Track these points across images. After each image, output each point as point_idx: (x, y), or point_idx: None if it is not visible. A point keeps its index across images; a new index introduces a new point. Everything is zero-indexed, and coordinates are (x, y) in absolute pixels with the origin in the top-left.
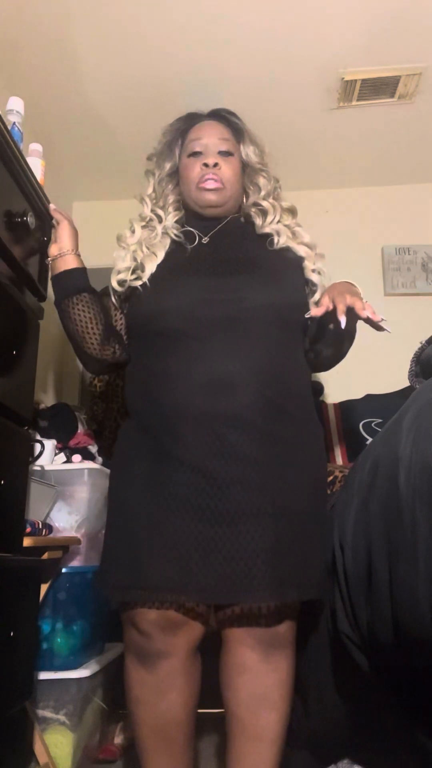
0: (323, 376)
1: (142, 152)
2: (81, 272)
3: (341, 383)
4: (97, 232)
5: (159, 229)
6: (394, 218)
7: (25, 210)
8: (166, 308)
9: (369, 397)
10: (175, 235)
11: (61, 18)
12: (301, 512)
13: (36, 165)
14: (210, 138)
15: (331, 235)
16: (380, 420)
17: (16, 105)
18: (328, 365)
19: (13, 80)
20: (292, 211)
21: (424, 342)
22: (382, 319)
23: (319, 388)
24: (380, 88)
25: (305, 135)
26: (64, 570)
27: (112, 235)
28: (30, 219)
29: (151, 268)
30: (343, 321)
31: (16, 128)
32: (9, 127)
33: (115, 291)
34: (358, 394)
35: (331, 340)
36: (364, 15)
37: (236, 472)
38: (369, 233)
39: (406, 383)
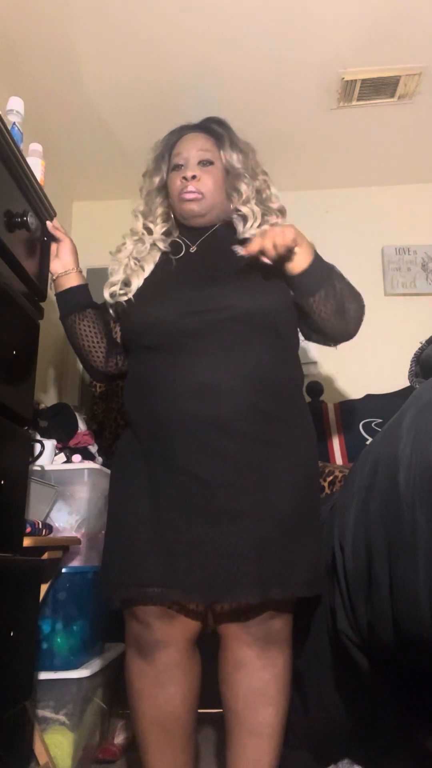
0: (323, 377)
1: (142, 152)
2: (84, 289)
3: (341, 383)
4: (97, 232)
5: (148, 242)
6: (394, 218)
7: (25, 210)
8: (152, 322)
9: (369, 397)
10: (164, 246)
11: (61, 18)
12: (287, 513)
13: (36, 165)
14: (189, 151)
15: (331, 235)
16: (380, 420)
17: (16, 105)
18: (334, 329)
19: (13, 80)
20: (281, 212)
21: (424, 342)
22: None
23: (319, 388)
24: (380, 88)
25: (305, 135)
26: (64, 570)
27: (111, 235)
28: (30, 219)
29: (137, 282)
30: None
31: (16, 128)
32: (9, 127)
33: (110, 304)
34: (358, 394)
35: (299, 289)
36: (364, 15)
37: (221, 475)
38: (369, 233)
39: (406, 383)
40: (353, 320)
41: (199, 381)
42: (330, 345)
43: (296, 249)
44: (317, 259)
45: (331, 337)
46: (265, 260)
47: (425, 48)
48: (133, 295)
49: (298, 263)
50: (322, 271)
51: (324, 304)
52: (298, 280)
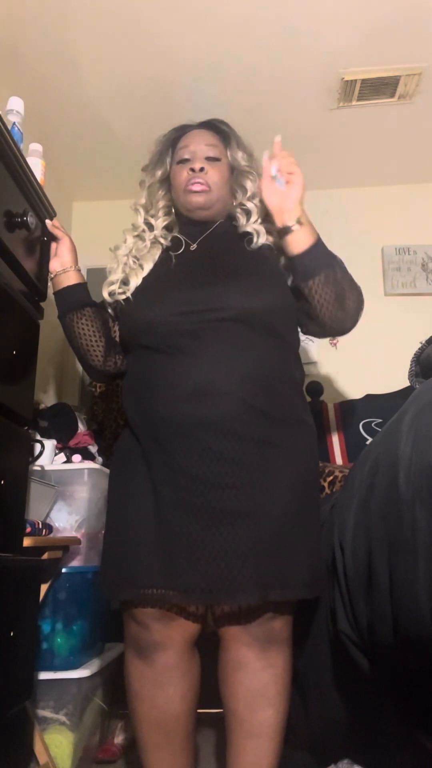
0: (323, 377)
1: (142, 152)
2: (83, 287)
3: (341, 383)
4: (97, 232)
5: (149, 238)
6: (394, 218)
7: (25, 210)
8: (150, 322)
9: (369, 397)
10: (164, 243)
11: (61, 18)
12: (287, 513)
13: (36, 165)
14: (197, 145)
15: (331, 235)
16: (380, 420)
17: (16, 105)
18: (332, 319)
19: (13, 80)
20: None
21: (424, 342)
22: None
23: (319, 388)
24: (380, 88)
25: (305, 135)
26: (64, 570)
27: (111, 235)
28: (30, 219)
29: (136, 281)
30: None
31: (16, 128)
32: (9, 127)
33: (108, 303)
34: (358, 394)
35: (297, 271)
36: (364, 15)
37: (221, 476)
38: (369, 233)
39: (406, 383)
40: (352, 313)
41: (197, 382)
42: (325, 336)
43: (296, 227)
44: (320, 243)
45: (328, 328)
46: (270, 172)
47: (425, 48)
48: (132, 294)
49: (300, 242)
50: (323, 254)
51: (323, 289)
52: (298, 260)
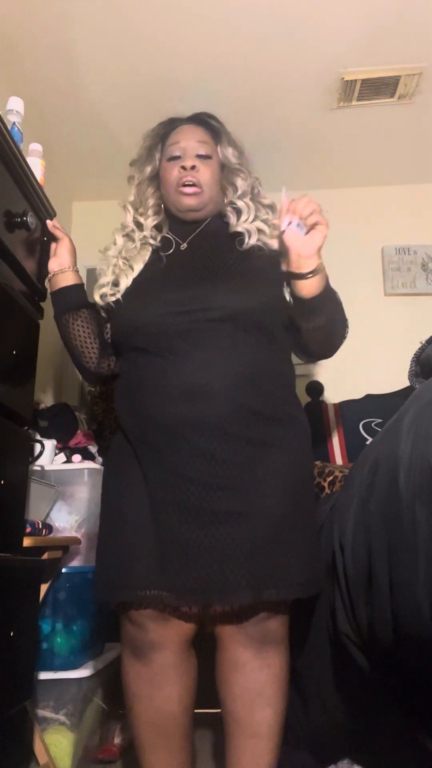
0: (323, 377)
1: None
2: (80, 288)
3: (341, 383)
4: (97, 232)
5: (138, 238)
6: (394, 218)
7: (25, 210)
8: (140, 323)
9: (369, 397)
10: (154, 244)
11: (61, 18)
12: (280, 513)
13: (36, 165)
14: (188, 141)
15: (331, 235)
16: (380, 420)
17: (16, 105)
18: (316, 353)
19: (13, 80)
20: (271, 207)
21: (424, 342)
22: (286, 227)
23: (319, 388)
24: (380, 88)
25: (305, 135)
26: (64, 570)
27: (111, 235)
28: (30, 219)
29: (125, 283)
30: (284, 223)
31: (16, 128)
32: (9, 127)
33: (100, 306)
34: (358, 394)
35: (300, 310)
36: (364, 15)
37: (213, 477)
38: (369, 233)
39: (406, 383)
40: (334, 348)
41: (188, 382)
42: (303, 361)
43: (311, 275)
44: (328, 288)
45: (312, 357)
46: (289, 225)
47: (425, 48)
48: (122, 296)
49: (311, 288)
50: (329, 300)
51: (317, 332)
52: (303, 302)
